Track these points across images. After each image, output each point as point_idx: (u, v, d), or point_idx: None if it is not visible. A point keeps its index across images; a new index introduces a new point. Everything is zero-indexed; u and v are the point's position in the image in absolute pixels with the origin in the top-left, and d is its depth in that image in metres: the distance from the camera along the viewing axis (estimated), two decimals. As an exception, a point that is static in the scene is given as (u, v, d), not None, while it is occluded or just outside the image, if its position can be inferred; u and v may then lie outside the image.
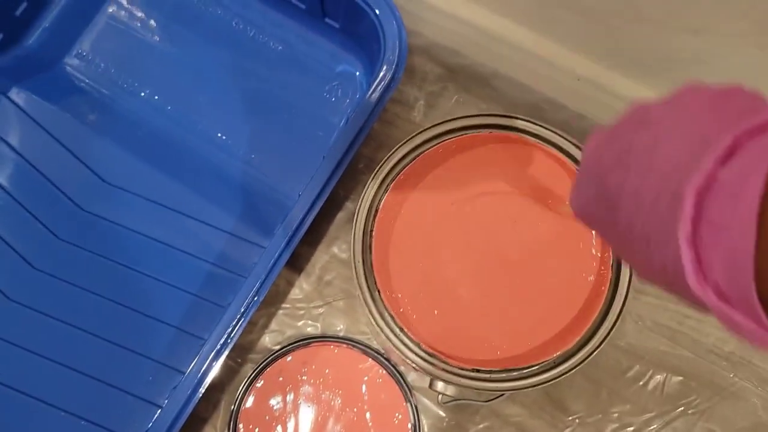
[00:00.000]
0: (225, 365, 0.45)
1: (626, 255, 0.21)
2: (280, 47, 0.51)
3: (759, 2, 0.34)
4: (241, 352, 0.47)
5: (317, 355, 0.46)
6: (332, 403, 0.45)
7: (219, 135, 0.49)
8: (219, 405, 0.46)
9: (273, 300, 0.48)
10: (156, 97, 0.50)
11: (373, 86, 0.43)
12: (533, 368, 0.37)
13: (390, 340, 0.33)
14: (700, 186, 0.15)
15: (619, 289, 0.37)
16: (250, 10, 0.51)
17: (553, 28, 0.46)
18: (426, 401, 0.46)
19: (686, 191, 0.15)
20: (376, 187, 0.35)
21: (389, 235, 0.36)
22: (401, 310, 0.34)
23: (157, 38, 0.51)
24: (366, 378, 0.46)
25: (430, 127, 0.36)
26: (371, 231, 0.35)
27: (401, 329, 0.34)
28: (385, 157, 0.36)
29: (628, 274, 0.37)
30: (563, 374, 0.35)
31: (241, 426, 0.45)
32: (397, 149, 0.36)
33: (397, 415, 0.45)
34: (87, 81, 0.50)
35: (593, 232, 0.33)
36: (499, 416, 0.46)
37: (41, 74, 0.50)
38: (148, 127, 0.49)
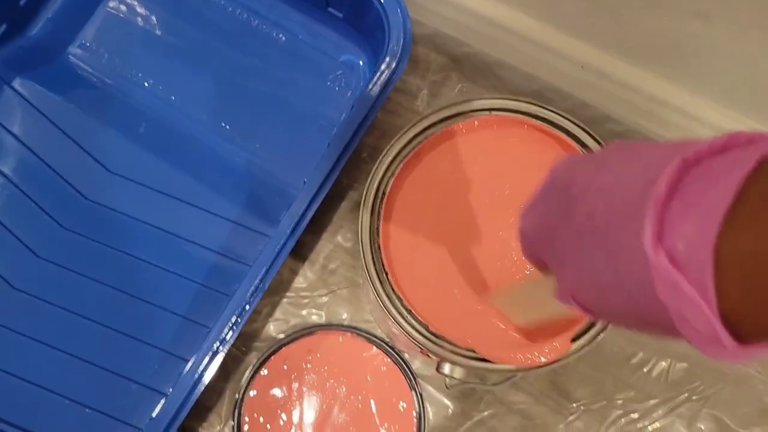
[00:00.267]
0: (230, 354, 0.45)
1: (578, 267, 0.20)
2: (283, 37, 0.51)
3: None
4: (245, 340, 0.47)
5: (322, 344, 0.46)
6: (337, 391, 0.45)
7: (223, 125, 0.49)
8: (224, 393, 0.46)
9: (277, 289, 0.48)
10: (160, 87, 0.50)
11: (377, 76, 0.43)
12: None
13: (398, 323, 0.33)
14: (679, 164, 0.16)
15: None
16: (254, 0, 0.51)
17: (559, 16, 0.46)
18: (431, 389, 0.46)
19: (666, 169, 0.16)
20: (384, 169, 0.35)
21: (397, 218, 0.36)
22: (408, 293, 0.34)
23: (160, 28, 0.51)
24: (371, 366, 0.46)
25: (439, 109, 0.36)
26: (379, 213, 0.35)
27: (409, 311, 0.33)
28: (394, 140, 0.36)
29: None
30: (571, 355, 0.35)
31: (245, 414, 0.45)
32: (406, 131, 0.36)
33: (401, 403, 0.45)
34: (91, 71, 0.50)
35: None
36: (504, 403, 0.46)
37: (45, 65, 0.50)
38: (152, 116, 0.49)
